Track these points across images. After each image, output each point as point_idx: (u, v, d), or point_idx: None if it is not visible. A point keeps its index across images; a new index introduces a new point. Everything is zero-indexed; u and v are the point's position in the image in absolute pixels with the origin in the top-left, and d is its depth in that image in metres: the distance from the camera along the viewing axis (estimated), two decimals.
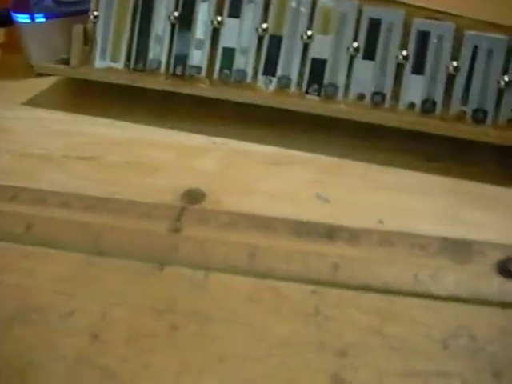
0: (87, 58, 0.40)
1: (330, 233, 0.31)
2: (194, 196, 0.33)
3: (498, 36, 0.34)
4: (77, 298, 0.28)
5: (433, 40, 0.34)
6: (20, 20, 0.43)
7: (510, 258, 0.29)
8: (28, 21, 0.43)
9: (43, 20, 0.43)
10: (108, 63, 0.40)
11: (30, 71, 0.43)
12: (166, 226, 0.31)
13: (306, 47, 0.36)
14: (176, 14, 0.38)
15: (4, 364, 0.25)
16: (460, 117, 0.34)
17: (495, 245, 0.30)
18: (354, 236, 0.31)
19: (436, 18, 0.34)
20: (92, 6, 0.40)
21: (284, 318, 0.27)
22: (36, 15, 0.43)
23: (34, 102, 0.42)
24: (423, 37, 0.34)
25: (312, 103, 0.36)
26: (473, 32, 0.34)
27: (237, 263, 0.29)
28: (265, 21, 0.37)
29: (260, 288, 0.28)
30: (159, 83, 0.39)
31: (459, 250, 0.30)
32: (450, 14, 0.34)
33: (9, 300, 0.28)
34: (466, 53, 0.34)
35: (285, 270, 0.29)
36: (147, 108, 0.41)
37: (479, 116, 0.34)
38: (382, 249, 0.30)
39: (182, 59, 0.38)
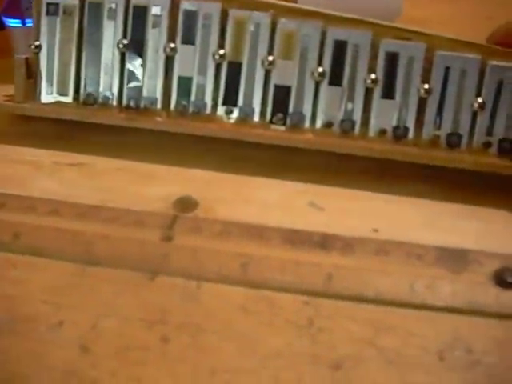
0: (32, 92, 0.37)
1: (324, 242, 0.30)
2: (186, 204, 0.33)
3: (470, 56, 0.33)
4: (66, 308, 0.28)
5: (402, 62, 0.33)
6: (11, 24, 0.43)
7: (506, 268, 0.29)
8: (19, 25, 0.42)
9: None
10: (55, 97, 0.37)
11: None
12: (158, 235, 0.31)
13: (267, 74, 0.35)
14: (125, 41, 0.36)
15: None
16: (434, 142, 0.34)
17: (491, 254, 0.30)
18: (348, 245, 0.30)
19: (405, 38, 0.33)
20: (33, 34, 0.37)
21: (277, 329, 0.27)
22: (27, 20, 0.42)
23: None
24: (392, 58, 0.33)
25: (277, 134, 0.35)
26: (444, 52, 0.33)
27: (230, 273, 0.29)
28: (222, 46, 0.35)
29: (253, 298, 0.28)
30: (112, 118, 0.36)
31: (455, 259, 0.30)
32: (420, 33, 0.33)
33: None
34: (438, 74, 0.33)
35: (278, 280, 0.28)
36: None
37: (453, 140, 0.33)
38: (377, 258, 0.30)
39: (135, 90, 0.36)
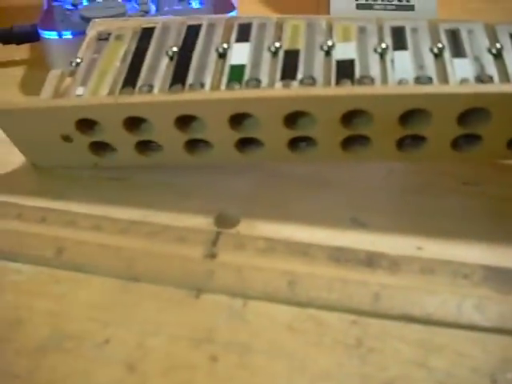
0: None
1: (370, 260, 0.30)
2: (227, 220, 0.32)
3: None
4: (112, 325, 0.27)
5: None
6: (47, 36, 0.43)
7: None
8: (55, 37, 0.42)
9: (70, 37, 0.42)
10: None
11: None
12: (201, 251, 0.30)
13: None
14: (175, 48, 0.34)
15: None
16: None
17: None
18: (394, 264, 0.30)
19: None
20: (76, 50, 0.36)
21: (326, 348, 0.26)
22: (63, 32, 0.42)
23: None
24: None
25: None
26: None
27: (276, 291, 0.28)
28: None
29: (300, 317, 0.28)
30: None
31: (503, 278, 0.29)
32: None
33: (41, 326, 0.27)
34: None
35: (325, 298, 0.28)
36: None
37: None
38: (424, 277, 0.29)
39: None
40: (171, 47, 0.34)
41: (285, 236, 0.31)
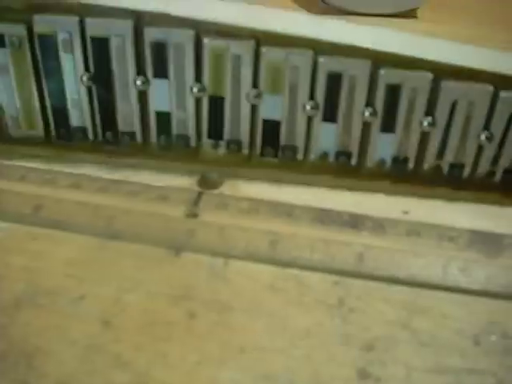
0: None
1: (355, 221, 0.29)
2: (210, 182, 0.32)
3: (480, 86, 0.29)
4: (88, 282, 0.27)
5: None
6: None
7: None
8: None
9: None
10: (24, 132, 0.33)
11: None
12: (182, 211, 0.30)
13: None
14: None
15: (11, 348, 0.24)
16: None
17: None
18: (379, 226, 0.29)
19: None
20: None
21: (307, 308, 0.26)
22: None
23: None
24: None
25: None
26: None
27: (258, 251, 0.28)
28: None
29: (282, 277, 0.27)
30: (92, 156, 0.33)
31: (489, 243, 0.29)
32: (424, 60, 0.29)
33: (16, 282, 0.27)
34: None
35: (307, 258, 0.28)
36: None
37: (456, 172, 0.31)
38: (409, 239, 0.29)
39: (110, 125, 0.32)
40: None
41: (270, 198, 0.31)
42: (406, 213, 0.31)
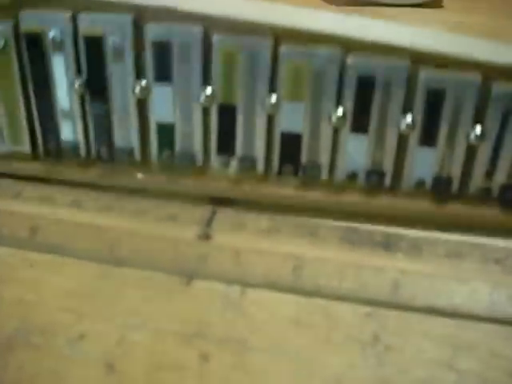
0: None
1: (387, 242, 0.26)
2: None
3: None
4: (89, 317, 0.24)
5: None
6: None
7: None
8: None
9: None
10: (9, 148, 0.30)
11: None
12: (194, 232, 0.27)
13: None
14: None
15: None
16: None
17: None
18: (415, 246, 0.26)
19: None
20: None
21: (337, 347, 0.23)
22: None
23: None
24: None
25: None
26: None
27: (279, 278, 0.25)
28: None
29: (307, 309, 0.24)
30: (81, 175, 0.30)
31: None
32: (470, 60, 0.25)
33: (8, 318, 0.24)
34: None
35: (336, 287, 0.24)
36: None
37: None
38: (450, 262, 0.26)
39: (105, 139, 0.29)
40: None
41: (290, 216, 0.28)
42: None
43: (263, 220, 0.28)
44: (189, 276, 0.25)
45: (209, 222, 0.27)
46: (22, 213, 0.28)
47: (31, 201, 0.29)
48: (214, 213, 0.28)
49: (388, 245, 0.26)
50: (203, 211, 0.28)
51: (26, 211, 0.28)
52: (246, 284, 0.25)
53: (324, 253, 0.26)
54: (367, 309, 0.24)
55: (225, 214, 0.28)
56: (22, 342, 0.23)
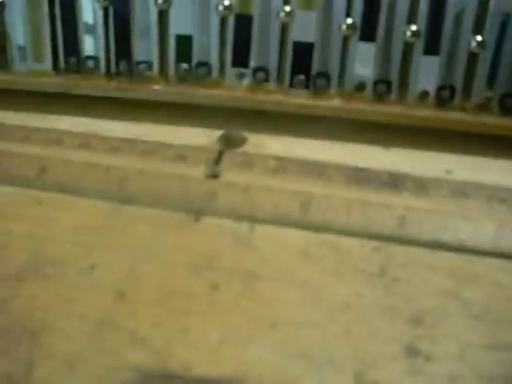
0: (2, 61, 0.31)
1: (394, 181, 0.26)
2: (233, 139, 0.29)
3: None
4: (99, 250, 0.24)
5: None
6: None
7: None
8: None
9: None
10: (31, 64, 0.31)
11: None
12: (202, 171, 0.27)
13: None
14: None
15: (13, 324, 0.21)
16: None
17: None
18: (421, 186, 0.26)
19: None
20: None
21: (345, 278, 0.23)
22: None
23: None
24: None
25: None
26: None
27: (287, 214, 0.25)
28: None
29: (315, 243, 0.24)
30: (100, 88, 0.31)
31: None
32: None
33: (19, 251, 0.24)
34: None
35: (344, 222, 0.25)
36: None
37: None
38: (455, 201, 0.26)
39: (124, 53, 0.30)
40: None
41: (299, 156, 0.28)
42: (448, 172, 0.28)
43: (271, 160, 0.28)
44: (197, 213, 0.25)
45: (217, 161, 0.28)
46: (30, 154, 0.28)
47: (40, 143, 0.29)
48: (221, 152, 0.28)
49: (395, 184, 0.26)
50: (211, 151, 0.28)
51: (34, 153, 0.29)
52: (254, 220, 0.25)
53: (331, 190, 0.26)
54: (375, 243, 0.24)
55: (232, 154, 0.28)
56: (32, 274, 0.23)
